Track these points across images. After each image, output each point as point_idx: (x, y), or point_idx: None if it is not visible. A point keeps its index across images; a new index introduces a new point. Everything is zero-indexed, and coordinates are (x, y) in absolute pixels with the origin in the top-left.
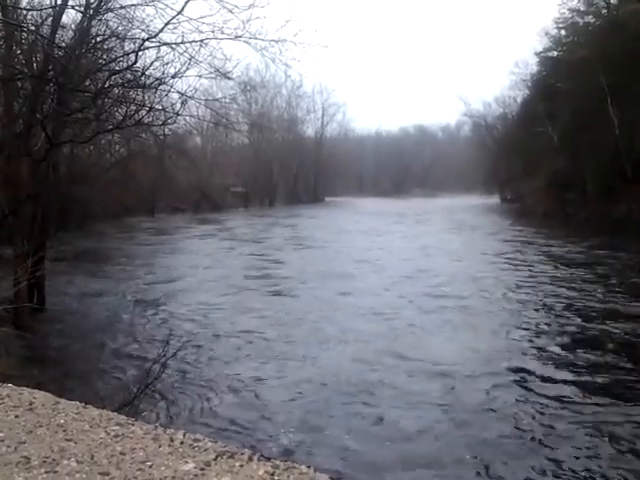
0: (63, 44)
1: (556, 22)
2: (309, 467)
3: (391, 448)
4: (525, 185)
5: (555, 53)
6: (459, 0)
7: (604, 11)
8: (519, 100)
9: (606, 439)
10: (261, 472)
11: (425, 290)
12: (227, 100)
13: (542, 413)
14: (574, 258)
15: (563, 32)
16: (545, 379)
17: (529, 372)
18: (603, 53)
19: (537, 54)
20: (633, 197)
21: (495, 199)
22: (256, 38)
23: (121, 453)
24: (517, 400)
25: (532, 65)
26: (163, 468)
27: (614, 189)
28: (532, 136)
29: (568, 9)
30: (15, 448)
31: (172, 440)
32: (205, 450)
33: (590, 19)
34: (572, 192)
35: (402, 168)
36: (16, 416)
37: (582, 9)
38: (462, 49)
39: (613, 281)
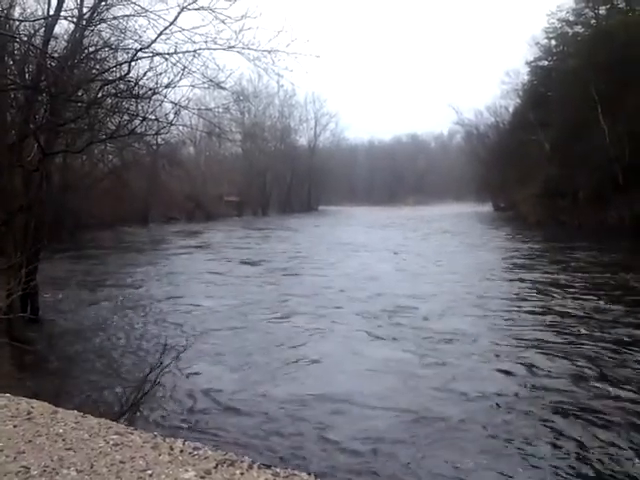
0: (56, 54)
1: (546, 32)
2: (310, 474)
3: None
4: (518, 193)
5: (545, 62)
6: (451, 10)
7: (593, 21)
8: (510, 109)
9: None
10: None
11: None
12: (220, 110)
13: None
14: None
15: (553, 42)
16: None
17: None
18: (592, 62)
19: (528, 63)
20: (625, 204)
21: (488, 207)
22: (249, 48)
23: (121, 462)
24: None
25: (523, 74)
26: (163, 477)
27: (606, 196)
28: (524, 144)
29: (557, 19)
30: (14, 458)
31: (172, 448)
32: (205, 458)
33: (579, 29)
34: (564, 199)
35: (395, 177)
36: (14, 426)
37: (571, 19)
38: (454, 58)
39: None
